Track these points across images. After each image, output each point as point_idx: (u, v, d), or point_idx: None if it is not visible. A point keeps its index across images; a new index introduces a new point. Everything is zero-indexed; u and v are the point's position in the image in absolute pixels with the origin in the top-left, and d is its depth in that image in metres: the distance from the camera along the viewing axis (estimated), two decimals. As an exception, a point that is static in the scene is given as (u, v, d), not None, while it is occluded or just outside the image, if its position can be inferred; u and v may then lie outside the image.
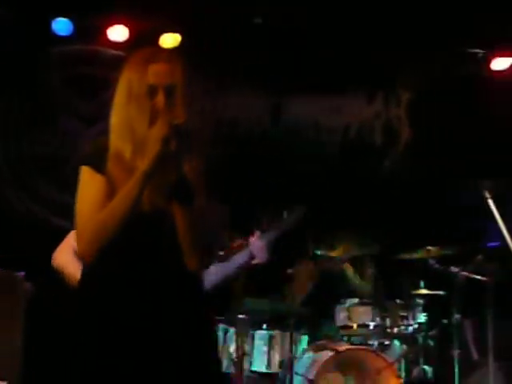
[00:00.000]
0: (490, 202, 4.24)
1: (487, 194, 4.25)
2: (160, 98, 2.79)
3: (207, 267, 4.18)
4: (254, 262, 4.90)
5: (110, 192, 2.77)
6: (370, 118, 6.49)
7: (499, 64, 6.41)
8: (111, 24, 6.01)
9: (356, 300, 5.62)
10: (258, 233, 4.79)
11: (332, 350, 5.37)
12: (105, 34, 6.04)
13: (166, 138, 2.71)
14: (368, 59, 6.20)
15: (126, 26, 5.99)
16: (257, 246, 4.77)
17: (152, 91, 2.80)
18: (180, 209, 2.78)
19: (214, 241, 3.42)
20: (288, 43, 6.15)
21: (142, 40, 5.72)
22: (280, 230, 4.86)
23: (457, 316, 5.64)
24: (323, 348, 5.46)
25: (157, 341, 2.78)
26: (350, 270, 5.91)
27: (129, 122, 2.82)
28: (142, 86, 2.81)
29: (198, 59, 5.76)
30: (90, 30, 6.00)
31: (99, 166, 2.80)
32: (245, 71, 6.22)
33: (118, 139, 2.84)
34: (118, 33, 6.01)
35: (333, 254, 5.79)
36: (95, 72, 6.08)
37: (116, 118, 2.87)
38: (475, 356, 6.09)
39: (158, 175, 2.75)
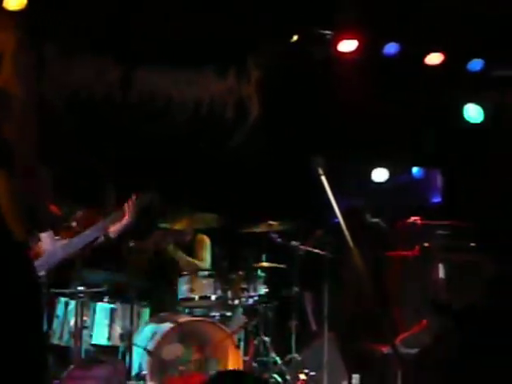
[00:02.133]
0: (323, 179, 4.38)
1: (320, 171, 4.39)
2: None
3: (36, 235, 4.09)
4: (123, 223, 4.95)
5: None
6: (222, 93, 6.54)
7: (346, 46, 6.63)
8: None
9: (198, 272, 5.69)
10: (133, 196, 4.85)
11: (173, 321, 5.42)
12: None
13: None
14: (221, 35, 6.23)
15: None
16: (111, 224, 4.82)
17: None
18: (1, 175, 2.71)
19: (42, 209, 3.34)
20: (140, 14, 6.06)
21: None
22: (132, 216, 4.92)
23: (296, 289, 5.86)
24: (164, 320, 5.51)
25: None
26: (177, 251, 5.98)
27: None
28: None
29: (44, 24, 5.60)
30: None
31: None
32: (94, 39, 6.08)
33: None
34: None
35: (176, 227, 5.82)
36: None
37: None
38: (314, 327, 6.35)
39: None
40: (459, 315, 2.46)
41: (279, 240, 5.89)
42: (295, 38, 6.47)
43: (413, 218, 6.34)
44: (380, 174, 7.38)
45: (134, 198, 5.18)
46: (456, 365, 2.32)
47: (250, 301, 5.75)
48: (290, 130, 6.53)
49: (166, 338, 5.37)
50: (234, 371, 5.15)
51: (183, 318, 5.50)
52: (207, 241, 6.19)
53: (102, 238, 5.11)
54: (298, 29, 6.46)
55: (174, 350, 5.43)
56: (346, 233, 4.17)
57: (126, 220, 5.19)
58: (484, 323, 2.55)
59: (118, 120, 6.25)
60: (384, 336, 4.68)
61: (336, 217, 4.87)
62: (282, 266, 5.92)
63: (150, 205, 5.22)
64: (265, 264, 5.87)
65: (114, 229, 5.20)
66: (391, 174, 7.36)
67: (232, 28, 6.19)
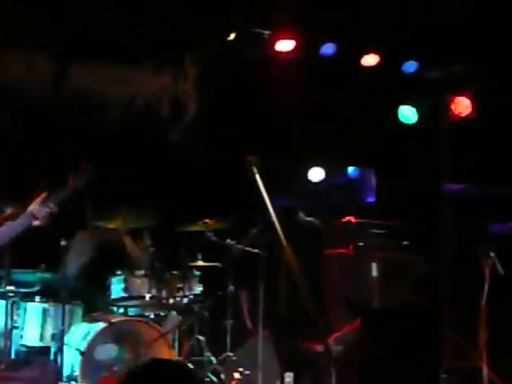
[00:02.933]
0: (258, 178, 4.39)
1: (255, 170, 4.40)
2: None
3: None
4: (35, 224, 4.72)
5: None
6: (157, 90, 6.49)
7: (283, 45, 6.66)
8: None
9: (133, 272, 5.63)
10: (43, 195, 4.63)
11: (106, 321, 5.35)
12: None
13: None
14: (157, 32, 6.17)
15: None
16: (39, 208, 4.59)
17: None
18: None
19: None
20: (75, 9, 5.96)
21: None
22: (68, 192, 4.70)
23: (232, 287, 5.85)
24: (97, 320, 5.43)
25: None
26: (129, 242, 5.88)
27: None
28: None
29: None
30: None
31: None
32: (27, 34, 5.95)
33: None
34: None
35: (111, 225, 5.74)
36: None
37: None
38: (249, 326, 6.35)
39: None
40: (385, 314, 2.50)
41: (215, 239, 5.87)
42: (232, 36, 6.47)
43: (347, 218, 6.41)
44: (316, 174, 7.44)
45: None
46: (382, 362, 2.36)
47: (185, 300, 5.71)
48: (226, 129, 6.51)
49: (98, 338, 5.29)
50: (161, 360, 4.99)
51: (116, 318, 5.43)
52: (139, 242, 6.06)
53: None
54: (236, 28, 6.46)
55: (106, 351, 5.35)
56: (280, 231, 4.19)
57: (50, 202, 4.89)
58: (413, 321, 2.60)
59: (51, 116, 6.13)
60: (318, 334, 4.72)
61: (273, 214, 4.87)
62: (217, 264, 5.91)
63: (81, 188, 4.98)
64: (200, 263, 5.84)
65: (39, 213, 4.89)
66: (327, 174, 7.43)
67: (169, 25, 6.15)
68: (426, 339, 2.41)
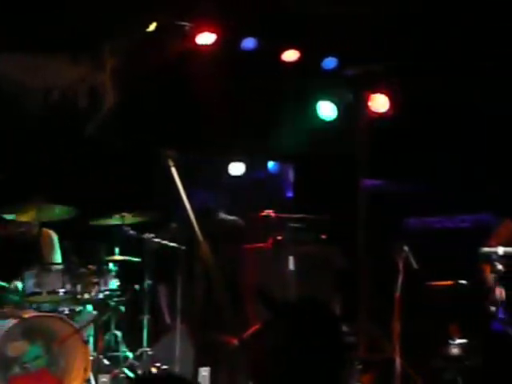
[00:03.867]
0: (174, 171, 4.36)
1: (171, 163, 4.37)
2: None
3: None
4: None
5: None
6: (74, 80, 6.34)
7: (204, 38, 6.62)
8: None
9: (45, 266, 5.48)
10: None
11: (17, 317, 5.19)
12: None
13: None
14: (74, 21, 6.03)
15: None
16: None
17: None
18: None
19: None
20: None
21: None
22: None
23: (149, 282, 5.78)
24: (8, 316, 5.26)
25: None
26: (42, 235, 5.73)
27: None
28: None
29: None
30: None
31: None
32: None
33: None
34: None
35: (23, 218, 5.57)
36: None
37: None
38: (168, 320, 6.30)
39: None
40: (295, 306, 2.53)
41: (132, 233, 5.78)
42: (152, 27, 6.38)
43: (266, 212, 6.44)
44: (237, 168, 7.44)
45: None
46: (292, 354, 2.39)
47: (101, 295, 5.61)
48: (144, 121, 6.42)
49: (9, 334, 5.13)
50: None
51: (28, 314, 5.28)
52: (54, 236, 5.91)
53: None
54: (156, 18, 6.37)
55: (18, 347, 5.21)
56: (196, 226, 4.17)
57: None
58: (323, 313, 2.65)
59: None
60: (234, 329, 4.73)
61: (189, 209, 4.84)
62: (135, 259, 5.83)
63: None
64: (117, 257, 5.75)
65: None
66: (247, 169, 7.45)
67: (87, 13, 6.01)
68: (335, 330, 2.45)
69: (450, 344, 5.69)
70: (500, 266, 5.62)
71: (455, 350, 5.64)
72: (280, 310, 2.64)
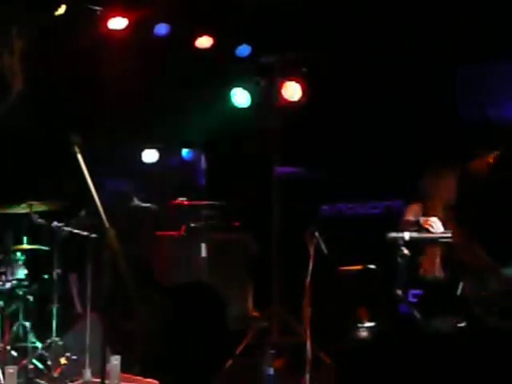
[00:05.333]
0: (79, 157, 4.28)
1: (77, 149, 4.28)
2: None
3: None
4: None
5: None
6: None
7: (116, 23, 6.51)
8: None
9: None
10: None
11: None
12: None
13: None
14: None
15: None
16: None
17: None
18: None
19: None
20: None
21: None
22: None
23: (58, 271, 5.67)
24: None
25: None
26: None
27: None
28: None
29: None
30: None
31: None
32: None
33: None
34: None
35: None
36: None
37: None
38: (79, 309, 6.21)
39: None
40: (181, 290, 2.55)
41: (41, 221, 5.66)
42: (62, 10, 6.23)
43: (180, 199, 6.42)
44: (150, 155, 7.38)
45: None
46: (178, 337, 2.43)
47: (8, 285, 5.47)
48: (52, 107, 6.28)
49: None
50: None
51: None
52: None
53: None
54: (66, 2, 6.23)
55: None
56: (103, 213, 4.12)
57: None
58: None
59: None
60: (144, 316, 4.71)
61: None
62: (44, 247, 5.71)
63: None
64: (25, 246, 5.62)
65: None
66: (161, 156, 7.40)
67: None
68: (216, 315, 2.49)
69: (359, 327, 5.83)
70: (406, 251, 5.79)
71: (364, 334, 5.78)
72: (161, 293, 2.66)
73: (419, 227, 5.70)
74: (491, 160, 4.09)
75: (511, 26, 6.53)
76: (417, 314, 5.74)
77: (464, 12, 6.73)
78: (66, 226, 5.71)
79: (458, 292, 4.57)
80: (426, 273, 5.14)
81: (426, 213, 5.35)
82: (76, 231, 5.73)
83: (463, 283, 4.02)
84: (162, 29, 6.67)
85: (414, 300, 6.14)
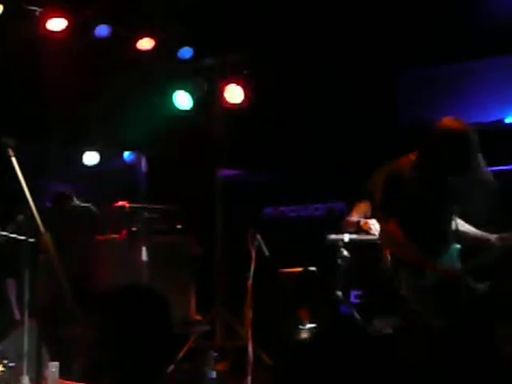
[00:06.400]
0: (14, 161, 4.20)
1: (11, 152, 4.20)
2: None
3: None
4: None
5: None
6: None
7: (55, 24, 6.41)
8: None
9: None
10: None
11: None
12: None
13: None
14: None
15: None
16: None
17: None
18: None
19: None
20: None
21: None
22: None
23: (-8, 276, 5.56)
24: None
25: None
26: None
27: None
28: None
29: None
30: None
31: None
32: None
33: None
34: None
35: None
36: None
37: None
38: (17, 315, 6.08)
39: None
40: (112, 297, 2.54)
41: (-25, 226, 5.53)
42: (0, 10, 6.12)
43: (121, 202, 6.35)
44: (91, 158, 7.29)
45: None
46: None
47: None
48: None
49: None
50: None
51: None
52: None
53: None
54: (3, 1, 6.11)
55: None
56: (37, 217, 4.05)
57: None
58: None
59: None
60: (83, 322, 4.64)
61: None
62: (-21, 253, 5.59)
63: None
64: (-40, 251, 5.49)
65: None
66: (102, 159, 7.32)
67: None
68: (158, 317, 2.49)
69: (300, 329, 5.87)
70: (346, 252, 5.87)
71: (305, 335, 5.82)
72: (98, 301, 2.64)
73: (359, 229, 5.78)
74: (413, 158, 4.16)
75: (451, 31, 6.69)
76: (357, 315, 5.83)
77: (405, 16, 6.85)
78: (3, 230, 5.60)
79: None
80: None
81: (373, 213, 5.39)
82: (13, 236, 5.62)
83: (399, 281, 4.07)
84: (102, 30, 6.60)
85: (356, 301, 6.22)
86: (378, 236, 4.88)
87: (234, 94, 6.94)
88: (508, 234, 4.13)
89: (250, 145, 7.34)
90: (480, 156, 4.15)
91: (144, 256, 5.90)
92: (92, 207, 6.52)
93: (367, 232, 5.67)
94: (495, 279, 4.07)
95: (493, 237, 4.16)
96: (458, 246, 4.16)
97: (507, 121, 6.87)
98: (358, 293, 6.09)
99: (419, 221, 4.06)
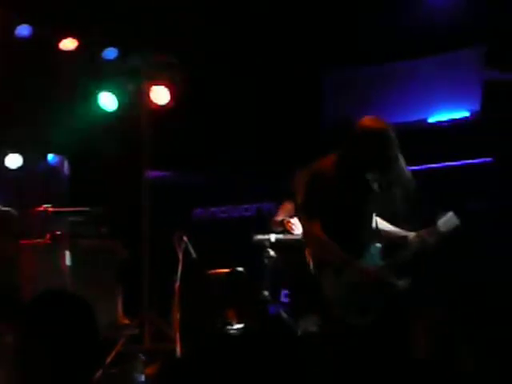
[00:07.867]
0: None
1: None
2: None
3: None
4: None
5: None
6: None
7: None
8: None
9: None
10: None
11: None
12: None
13: None
14: None
15: None
16: None
17: None
18: None
19: None
20: None
21: None
22: None
23: None
24: None
25: None
26: None
27: None
28: None
29: None
30: None
31: None
32: None
33: None
34: None
35: None
36: None
37: None
38: None
39: None
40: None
41: None
42: None
43: (44, 206, 6.22)
44: (14, 161, 7.12)
45: None
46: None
47: None
48: None
49: None
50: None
51: None
52: None
53: None
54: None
55: None
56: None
57: None
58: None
59: None
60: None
61: None
62: None
63: None
64: None
65: None
66: (25, 161, 7.15)
67: None
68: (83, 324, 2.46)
69: (229, 329, 5.86)
70: (272, 252, 5.89)
71: (232, 334, 5.81)
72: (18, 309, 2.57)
73: (283, 228, 5.82)
74: (335, 158, 4.18)
75: (375, 32, 6.78)
76: (284, 315, 5.86)
77: (330, 17, 6.92)
78: None
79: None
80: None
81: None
82: None
83: (321, 281, 4.10)
84: (24, 30, 6.45)
85: (286, 300, 6.24)
86: (300, 235, 4.91)
87: (159, 94, 6.88)
88: (425, 230, 4.20)
89: (178, 146, 7.29)
90: (400, 155, 4.20)
91: (68, 260, 5.79)
92: (12, 211, 6.36)
93: (289, 231, 5.71)
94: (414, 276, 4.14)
95: (410, 234, 4.23)
96: (379, 244, 4.20)
97: (430, 120, 7.00)
98: (288, 292, 6.13)
99: (340, 221, 4.09)
